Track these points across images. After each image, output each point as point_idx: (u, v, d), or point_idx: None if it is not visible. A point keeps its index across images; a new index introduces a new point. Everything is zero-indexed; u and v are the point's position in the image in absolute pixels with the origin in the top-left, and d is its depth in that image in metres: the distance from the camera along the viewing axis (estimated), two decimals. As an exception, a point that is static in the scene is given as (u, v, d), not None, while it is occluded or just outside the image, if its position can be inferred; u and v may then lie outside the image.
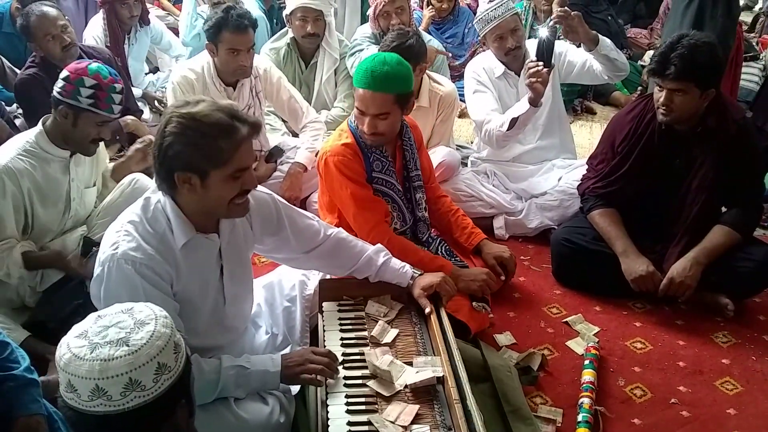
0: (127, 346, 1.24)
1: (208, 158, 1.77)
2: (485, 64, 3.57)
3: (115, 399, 1.23)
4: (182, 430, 1.35)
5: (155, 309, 1.34)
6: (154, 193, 1.92)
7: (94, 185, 2.88)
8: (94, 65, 2.58)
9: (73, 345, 1.25)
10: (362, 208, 2.64)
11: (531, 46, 3.45)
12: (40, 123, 2.64)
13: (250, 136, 1.82)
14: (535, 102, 3.19)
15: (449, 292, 2.27)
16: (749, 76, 5.07)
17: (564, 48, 3.54)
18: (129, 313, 1.31)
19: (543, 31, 3.17)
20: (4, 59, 4.32)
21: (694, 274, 2.77)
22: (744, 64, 4.84)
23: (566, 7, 3.33)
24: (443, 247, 2.81)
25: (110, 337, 1.25)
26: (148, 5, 4.97)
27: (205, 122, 1.75)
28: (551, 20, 3.34)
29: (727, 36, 3.88)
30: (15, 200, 2.53)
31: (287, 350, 2.17)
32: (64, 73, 2.57)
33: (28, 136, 2.63)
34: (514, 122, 3.29)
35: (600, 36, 3.34)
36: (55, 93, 2.56)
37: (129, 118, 3.80)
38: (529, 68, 3.17)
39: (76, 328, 1.29)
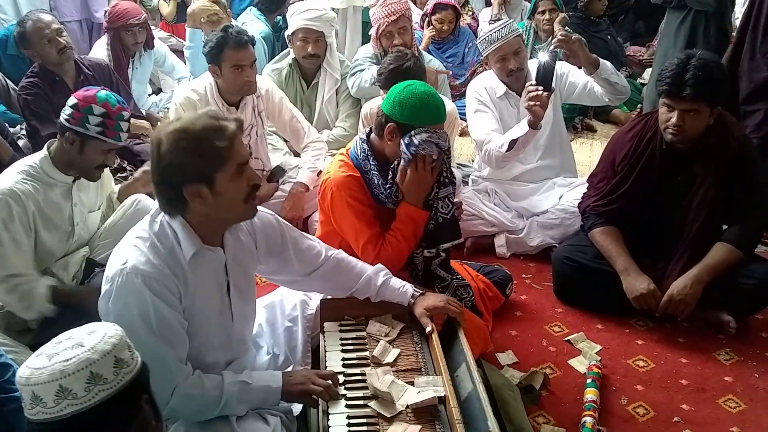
0: (82, 346, 1.32)
1: (210, 161, 1.80)
2: (487, 84, 3.60)
3: (80, 396, 1.28)
4: (151, 430, 1.39)
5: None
6: (158, 212, 1.93)
7: (99, 209, 2.88)
8: (103, 93, 2.58)
9: (32, 363, 1.32)
10: (362, 224, 2.53)
11: (532, 66, 3.47)
12: (44, 148, 2.65)
13: (238, 130, 1.87)
14: (534, 125, 3.20)
15: (456, 312, 2.25)
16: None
17: (566, 69, 3.55)
18: (79, 330, 1.39)
19: (543, 56, 3.19)
20: (8, 81, 4.36)
21: (694, 293, 2.77)
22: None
23: (567, 28, 3.36)
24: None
25: (64, 345, 1.33)
26: (152, 29, 5.01)
27: (194, 129, 1.80)
28: (552, 44, 3.36)
29: (721, 52, 3.91)
30: (22, 223, 2.53)
31: (289, 370, 2.18)
32: (71, 101, 2.56)
33: (32, 160, 2.64)
34: (513, 144, 3.31)
35: (601, 60, 3.36)
36: (62, 119, 2.56)
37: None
38: (529, 92, 3.18)
39: (32, 356, 1.36)
